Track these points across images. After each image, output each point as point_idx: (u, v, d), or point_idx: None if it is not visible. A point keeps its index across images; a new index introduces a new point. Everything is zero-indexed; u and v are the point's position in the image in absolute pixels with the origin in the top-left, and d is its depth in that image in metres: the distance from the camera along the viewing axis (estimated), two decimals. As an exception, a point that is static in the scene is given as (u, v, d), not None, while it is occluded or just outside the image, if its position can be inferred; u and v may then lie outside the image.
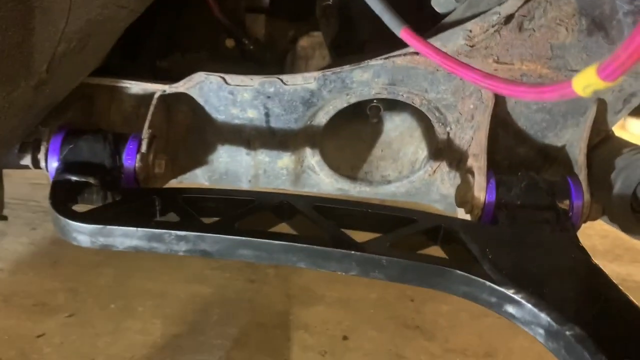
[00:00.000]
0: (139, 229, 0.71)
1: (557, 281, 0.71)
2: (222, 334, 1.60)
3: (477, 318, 1.81)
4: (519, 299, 0.68)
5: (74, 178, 0.78)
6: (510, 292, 0.68)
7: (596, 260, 2.16)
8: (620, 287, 0.69)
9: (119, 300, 1.67)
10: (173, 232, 0.72)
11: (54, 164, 0.82)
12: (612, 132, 1.00)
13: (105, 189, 0.78)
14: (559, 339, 0.65)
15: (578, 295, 0.69)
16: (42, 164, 0.82)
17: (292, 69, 1.20)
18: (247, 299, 1.79)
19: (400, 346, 1.65)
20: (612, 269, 2.25)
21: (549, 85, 0.43)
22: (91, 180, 0.77)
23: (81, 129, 0.85)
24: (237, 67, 1.11)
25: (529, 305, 0.67)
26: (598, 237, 2.45)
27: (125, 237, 0.72)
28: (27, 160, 0.84)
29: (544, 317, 0.66)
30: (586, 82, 0.38)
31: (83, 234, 0.72)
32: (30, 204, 2.19)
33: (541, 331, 0.67)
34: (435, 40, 0.80)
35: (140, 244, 0.72)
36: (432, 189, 1.03)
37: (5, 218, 1.14)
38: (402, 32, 0.62)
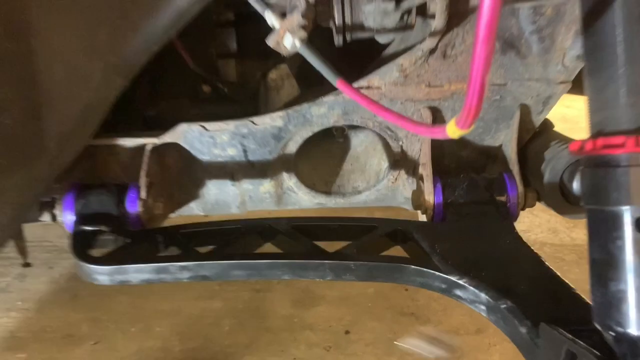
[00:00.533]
0: (148, 264, 0.87)
1: (494, 265, 0.86)
2: (235, 342, 1.75)
3: (467, 299, 1.96)
4: (463, 284, 0.83)
5: (88, 228, 0.93)
6: (455, 279, 0.84)
7: (578, 230, 2.35)
8: (544, 262, 0.85)
9: (138, 323, 1.82)
10: (176, 263, 0.87)
11: (69, 217, 0.97)
12: (548, 126, 1.15)
13: (115, 234, 0.93)
14: (497, 312, 0.80)
15: (510, 274, 0.84)
16: (60, 219, 0.98)
17: (266, 101, 1.35)
18: (255, 307, 1.94)
19: (399, 332, 1.80)
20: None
21: (437, 127, 0.58)
22: (103, 228, 0.93)
23: (88, 184, 1.00)
24: (216, 107, 1.27)
25: (471, 288, 0.83)
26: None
27: (138, 272, 0.87)
28: (46, 217, 1.00)
29: (483, 296, 0.82)
30: (452, 130, 0.53)
31: (103, 274, 0.88)
32: (45, 245, 2.34)
33: (483, 307, 0.82)
34: (375, 75, 0.95)
35: (150, 276, 0.87)
36: (397, 194, 1.18)
37: (29, 265, 1.30)
38: (337, 83, 0.77)
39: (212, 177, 1.12)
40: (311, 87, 1.36)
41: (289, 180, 1.16)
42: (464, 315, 1.89)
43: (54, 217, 1.00)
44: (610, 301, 0.55)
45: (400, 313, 1.91)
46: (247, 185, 1.14)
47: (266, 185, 1.15)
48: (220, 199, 1.16)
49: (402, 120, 0.65)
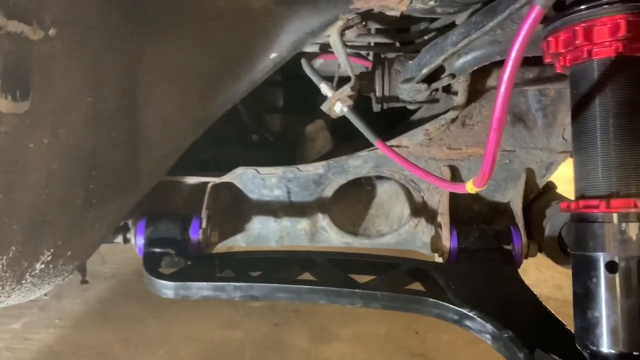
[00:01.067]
0: (208, 283, 1.04)
1: (499, 301, 1.02)
2: (255, 370, 1.89)
3: (473, 344, 2.09)
4: (472, 315, 0.99)
5: (157, 250, 1.11)
6: (466, 311, 1.00)
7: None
8: (541, 302, 1.01)
9: (166, 346, 1.97)
10: (231, 284, 1.04)
11: (140, 241, 1.15)
12: (551, 187, 1.33)
13: (179, 256, 1.11)
14: (499, 340, 0.96)
15: (512, 310, 1.00)
16: (132, 241, 1.16)
17: (302, 150, 1.55)
18: (273, 339, 2.08)
19: (408, 372, 1.93)
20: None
21: (458, 184, 0.76)
22: (170, 251, 1.11)
23: (156, 213, 1.19)
24: (262, 153, 1.47)
25: (479, 319, 0.99)
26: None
27: (199, 289, 1.04)
28: (119, 239, 1.18)
29: (489, 326, 0.97)
30: (470, 187, 0.71)
31: (169, 289, 1.05)
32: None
33: (488, 336, 0.98)
34: (405, 137, 1.15)
35: (209, 293, 1.04)
36: (416, 238, 1.35)
37: (86, 282, 1.47)
38: (377, 142, 0.96)
39: (258, 214, 1.30)
40: (343, 139, 1.56)
41: (323, 220, 1.34)
42: (470, 358, 2.01)
43: (125, 240, 1.18)
44: (587, 326, 0.71)
45: (410, 354, 2.04)
46: (286, 222, 1.32)
47: (303, 224, 1.33)
48: (262, 233, 1.34)
49: (429, 176, 0.83)
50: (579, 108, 0.73)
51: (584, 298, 0.72)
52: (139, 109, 0.91)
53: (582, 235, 0.71)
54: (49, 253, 0.80)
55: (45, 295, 1.07)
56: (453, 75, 0.93)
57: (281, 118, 1.52)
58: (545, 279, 2.66)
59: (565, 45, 0.72)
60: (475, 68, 0.90)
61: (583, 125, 0.73)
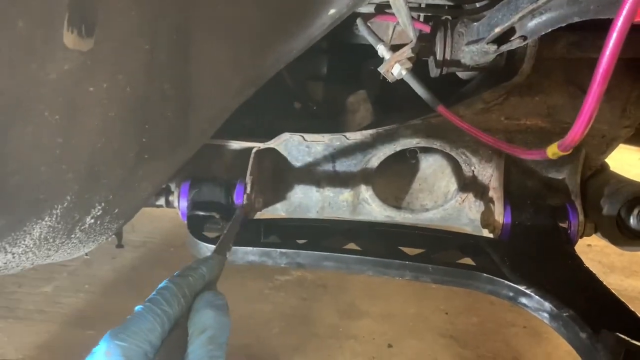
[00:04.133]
0: (254, 248, 1.01)
1: (557, 280, 0.97)
2: (284, 344, 1.87)
3: (504, 328, 2.05)
4: (529, 292, 0.95)
5: (202, 213, 1.08)
6: (522, 288, 0.95)
7: (614, 275, 2.46)
8: (602, 282, 0.96)
9: (195, 316, 1.96)
10: (278, 250, 1.01)
11: (184, 203, 1.12)
12: (606, 166, 1.27)
13: (224, 220, 1.08)
14: (559, 320, 0.91)
15: (571, 288, 0.95)
16: (175, 204, 1.13)
17: (343, 121, 1.50)
18: (302, 314, 2.06)
19: (439, 352, 1.90)
20: (630, 283, 2.47)
21: (535, 150, 0.71)
22: (214, 214, 1.08)
23: (200, 177, 1.16)
24: (304, 122, 1.43)
25: (537, 297, 0.94)
26: (616, 254, 2.66)
27: (245, 254, 1.01)
28: (161, 201, 1.15)
29: (547, 304, 0.93)
30: (553, 151, 0.66)
31: (214, 253, 1.02)
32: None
33: (546, 315, 0.93)
34: (461, 105, 1.09)
35: (254, 258, 1.01)
36: (462, 214, 1.30)
37: (122, 246, 1.45)
38: (439, 108, 0.91)
39: (300, 182, 1.27)
40: (384, 112, 1.51)
41: (366, 192, 1.29)
42: (501, 342, 1.98)
43: (168, 203, 1.15)
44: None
45: (439, 334, 2.00)
46: (329, 192, 1.28)
47: (345, 195, 1.29)
48: (304, 203, 1.30)
49: (499, 143, 0.78)
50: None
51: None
52: (191, 64, 0.87)
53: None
54: (99, 207, 0.77)
55: (86, 255, 1.04)
56: (524, 38, 0.87)
57: (324, 87, 1.47)
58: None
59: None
60: (550, 30, 0.84)
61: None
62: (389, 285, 2.25)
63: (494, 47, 0.87)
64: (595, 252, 2.62)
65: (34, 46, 0.50)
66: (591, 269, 0.99)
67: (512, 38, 0.88)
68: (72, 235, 0.77)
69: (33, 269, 2.14)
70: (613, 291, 0.95)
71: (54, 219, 0.67)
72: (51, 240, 0.73)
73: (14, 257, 0.69)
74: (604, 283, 0.96)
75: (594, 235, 1.16)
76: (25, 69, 0.51)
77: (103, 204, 0.77)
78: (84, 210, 0.73)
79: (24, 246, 0.68)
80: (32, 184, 0.59)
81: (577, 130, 0.60)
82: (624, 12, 0.51)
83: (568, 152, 0.65)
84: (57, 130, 0.58)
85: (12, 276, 2.16)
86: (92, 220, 0.78)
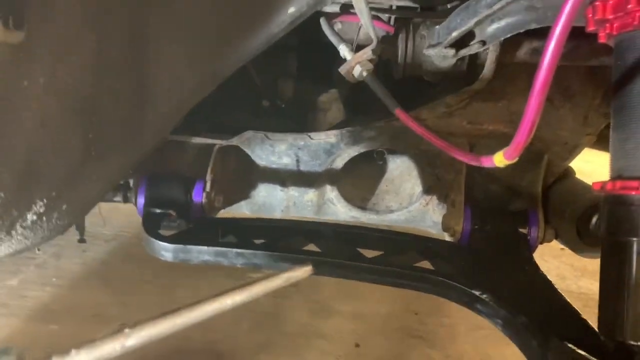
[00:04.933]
0: (209, 247, 0.99)
1: (513, 286, 0.97)
2: (252, 341, 1.86)
3: (474, 330, 2.06)
4: (484, 299, 0.95)
5: (158, 210, 1.06)
6: (477, 293, 0.95)
7: (585, 279, 2.47)
8: (557, 289, 0.96)
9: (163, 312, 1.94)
10: (234, 250, 1.00)
11: (141, 200, 1.10)
12: (570, 173, 1.27)
13: (181, 219, 1.06)
14: (512, 327, 0.91)
15: (526, 295, 0.95)
16: (132, 200, 1.11)
17: (314, 120, 1.49)
18: (272, 312, 2.05)
19: (406, 353, 1.90)
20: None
21: (485, 156, 0.70)
22: (171, 212, 1.06)
23: (159, 173, 1.14)
24: (272, 121, 1.41)
25: (491, 303, 0.94)
26: (588, 260, 2.69)
27: (199, 253, 1.00)
28: (118, 197, 1.14)
29: (501, 311, 0.93)
30: (499, 160, 0.65)
31: (168, 251, 1.00)
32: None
33: (500, 321, 0.93)
34: (424, 108, 1.09)
35: (209, 258, 1.00)
36: (426, 217, 1.29)
37: (84, 241, 1.43)
38: (396, 111, 0.90)
39: (264, 181, 1.25)
40: (356, 113, 1.50)
41: (331, 193, 1.28)
42: (470, 344, 1.98)
43: (125, 199, 1.13)
44: (614, 316, 0.66)
45: (409, 335, 2.01)
46: (293, 192, 1.27)
47: (310, 195, 1.28)
48: (268, 202, 1.29)
49: (451, 149, 0.78)
50: (623, 81, 0.67)
51: (613, 286, 0.67)
52: (145, 61, 0.86)
53: (616, 218, 0.66)
54: (42, 204, 0.75)
55: (38, 250, 1.03)
56: (483, 43, 0.87)
57: (294, 85, 1.46)
58: (549, 268, 2.62)
59: (614, 11, 0.66)
60: (508, 35, 0.84)
61: (626, 100, 0.67)
62: (362, 284, 2.24)
63: (452, 52, 0.87)
64: (567, 255, 2.64)
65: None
66: (548, 277, 0.99)
67: (471, 43, 0.88)
68: (13, 232, 0.75)
69: (-2, 261, 2.09)
70: (570, 298, 0.96)
71: (-13, 216, 0.65)
72: (-11, 236, 0.71)
73: (-54, 254, 0.67)
74: (572, 287, 0.96)
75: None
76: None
77: (46, 200, 0.75)
78: (23, 206, 0.71)
79: (-44, 243, 0.66)
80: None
81: (520, 140, 0.60)
82: (562, 20, 0.51)
83: (514, 161, 0.64)
84: (-15, 125, 0.56)
85: (-22, 269, 2.13)
86: (35, 217, 0.76)
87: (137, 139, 0.91)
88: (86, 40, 0.70)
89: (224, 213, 1.33)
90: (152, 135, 0.96)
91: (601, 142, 1.20)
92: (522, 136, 0.58)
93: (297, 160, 1.21)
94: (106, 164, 0.88)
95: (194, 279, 2.13)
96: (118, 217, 2.53)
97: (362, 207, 1.33)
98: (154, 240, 1.00)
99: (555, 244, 1.25)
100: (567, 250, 2.49)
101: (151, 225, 1.04)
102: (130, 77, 0.84)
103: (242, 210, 1.32)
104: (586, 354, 0.72)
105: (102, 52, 0.73)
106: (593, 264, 2.73)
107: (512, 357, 1.94)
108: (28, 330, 1.83)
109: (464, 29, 0.80)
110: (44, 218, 0.79)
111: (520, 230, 1.11)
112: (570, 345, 0.78)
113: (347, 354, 1.85)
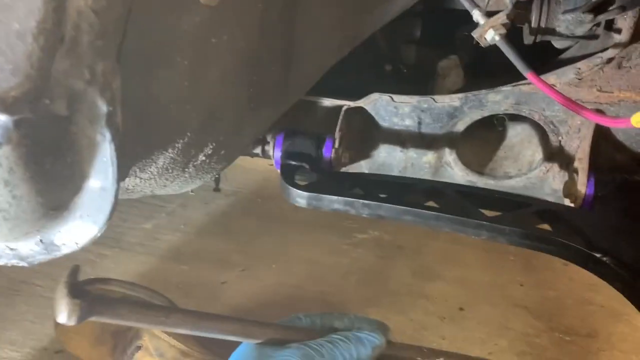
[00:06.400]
0: (339, 197, 1.09)
1: (633, 249, 0.98)
2: (360, 295, 1.98)
3: (581, 304, 2.03)
4: (605, 261, 0.97)
5: (293, 163, 1.18)
6: (598, 255, 0.97)
7: None
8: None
9: (279, 262, 2.10)
10: (361, 201, 1.09)
11: (278, 153, 1.23)
12: None
13: (313, 171, 1.17)
14: (633, 290, 0.93)
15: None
16: (270, 153, 1.24)
17: (433, 85, 1.53)
18: (378, 270, 2.15)
19: (510, 320, 1.92)
20: None
21: (620, 118, 0.73)
22: (305, 165, 1.17)
23: (294, 129, 1.25)
24: (394, 85, 1.48)
25: (612, 266, 0.96)
26: None
27: (330, 202, 1.10)
28: (258, 150, 1.27)
29: (622, 273, 0.95)
30: (637, 120, 0.68)
31: (303, 198, 1.12)
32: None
33: (619, 285, 0.96)
34: (553, 74, 1.10)
35: (339, 207, 1.10)
36: (545, 184, 1.31)
37: (219, 190, 1.59)
38: (528, 74, 0.93)
39: (385, 142, 1.33)
40: (476, 79, 1.53)
41: (449, 156, 1.33)
42: (576, 318, 1.96)
43: (264, 152, 1.26)
44: None
45: (513, 304, 2.02)
46: (412, 153, 1.34)
47: (429, 156, 1.34)
48: (387, 162, 1.37)
49: (585, 111, 0.81)
50: None
51: None
52: (296, 23, 0.95)
53: None
54: (211, 146, 0.88)
55: (192, 191, 1.18)
56: (623, 8, 0.87)
57: (416, 50, 1.51)
58: None
59: None
60: (652, 0, 0.84)
61: None
62: (465, 252, 2.27)
63: (590, 17, 0.88)
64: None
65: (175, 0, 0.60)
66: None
67: (610, 8, 0.89)
68: (186, 169, 0.89)
69: (135, 207, 2.37)
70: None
71: (175, 152, 0.79)
72: (170, 170, 0.85)
73: (140, 182, 0.82)
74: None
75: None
76: (167, 20, 0.61)
77: (214, 144, 0.88)
78: (199, 147, 0.84)
79: (149, 173, 0.80)
80: (164, 119, 0.70)
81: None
82: None
83: (654, 121, 0.67)
84: (185, 74, 0.68)
85: (117, 212, 2.41)
86: (204, 158, 0.89)
87: (283, 95, 1.02)
88: (256, 5, 0.80)
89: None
90: (294, 92, 1.07)
91: None
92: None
93: (419, 123, 1.27)
94: (258, 116, 1.00)
95: (306, 236, 2.27)
96: (237, 174, 2.74)
97: (480, 172, 1.37)
98: (291, 188, 1.12)
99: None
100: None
101: (288, 175, 1.16)
102: (283, 38, 0.94)
103: (361, 169, 1.41)
104: None
105: (266, 15, 0.84)
106: None
107: (619, 335, 1.92)
108: (162, 268, 2.08)
109: (605, -7, 0.82)
110: (208, 160, 0.92)
111: (645, 200, 1.10)
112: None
113: (452, 316, 1.91)
